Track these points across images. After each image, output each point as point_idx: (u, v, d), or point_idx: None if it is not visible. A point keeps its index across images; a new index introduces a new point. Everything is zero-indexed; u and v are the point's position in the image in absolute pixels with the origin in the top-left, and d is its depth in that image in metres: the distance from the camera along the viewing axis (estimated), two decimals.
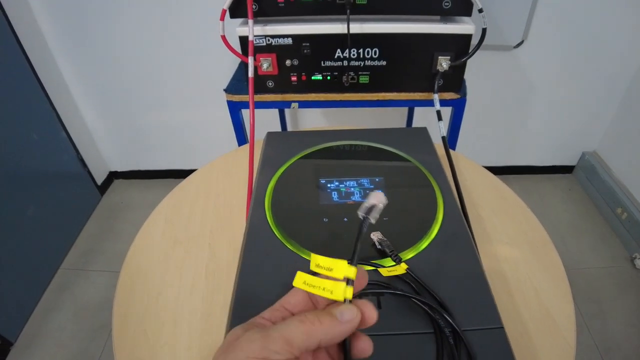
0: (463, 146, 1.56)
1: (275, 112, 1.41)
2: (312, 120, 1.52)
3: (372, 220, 0.25)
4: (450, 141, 0.86)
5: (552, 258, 0.55)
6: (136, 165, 1.76)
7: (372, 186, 0.46)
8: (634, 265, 1.35)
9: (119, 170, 1.78)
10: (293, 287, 0.24)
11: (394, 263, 0.36)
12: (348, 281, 0.23)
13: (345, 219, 0.42)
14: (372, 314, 0.23)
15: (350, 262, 0.23)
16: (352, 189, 0.45)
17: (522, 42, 1.31)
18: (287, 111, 1.45)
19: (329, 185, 0.46)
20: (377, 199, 0.25)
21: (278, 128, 1.46)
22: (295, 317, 0.23)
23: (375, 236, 0.39)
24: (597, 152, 1.64)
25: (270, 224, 0.42)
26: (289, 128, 1.51)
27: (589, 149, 1.66)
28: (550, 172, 1.74)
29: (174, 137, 1.63)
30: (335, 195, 0.45)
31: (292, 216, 0.43)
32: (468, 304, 0.34)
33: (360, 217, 0.26)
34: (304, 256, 0.38)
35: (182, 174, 1.83)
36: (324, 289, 0.23)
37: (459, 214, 0.42)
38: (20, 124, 1.28)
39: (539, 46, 1.32)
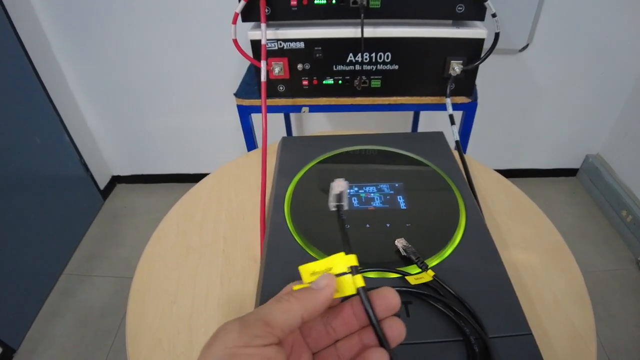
0: (467, 149, 1.56)
1: (280, 115, 1.41)
2: (317, 124, 1.52)
3: (345, 206, 0.26)
4: (462, 144, 0.86)
5: (569, 263, 0.55)
6: (139, 169, 1.75)
7: (392, 191, 0.45)
8: (639, 267, 1.35)
9: (121, 174, 1.78)
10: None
11: (420, 270, 0.35)
12: (352, 270, 0.23)
13: (368, 225, 0.41)
14: (393, 296, 0.23)
15: (347, 252, 0.23)
16: (372, 194, 0.45)
17: (527, 46, 1.32)
18: (292, 115, 1.44)
19: (349, 190, 0.45)
20: (341, 185, 0.26)
21: (283, 131, 1.46)
22: (272, 298, 0.23)
23: (400, 243, 0.38)
24: (601, 154, 1.64)
25: (290, 230, 0.41)
26: (294, 132, 1.50)
27: (593, 152, 1.66)
28: (554, 175, 1.74)
29: (177, 141, 1.62)
30: (355, 201, 0.44)
31: (313, 222, 0.42)
32: (495, 311, 0.33)
33: (333, 207, 0.26)
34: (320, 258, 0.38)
35: (186, 178, 1.82)
36: (329, 269, 0.23)
37: (480, 219, 0.42)
38: (23, 128, 1.27)
39: (544, 50, 1.33)
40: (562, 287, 0.51)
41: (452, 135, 0.65)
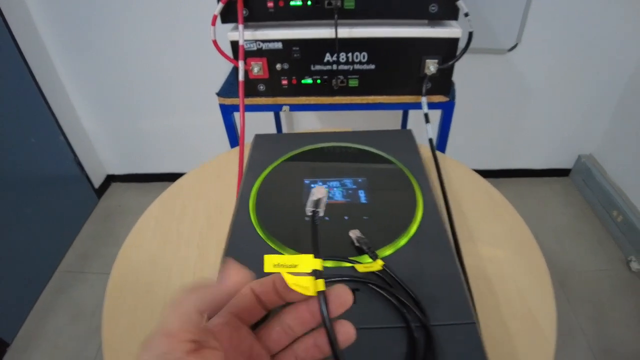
0: (458, 149, 1.57)
1: (270, 115, 1.42)
2: (308, 123, 1.53)
3: (321, 213, 0.27)
4: (440, 143, 0.87)
5: (536, 259, 0.56)
6: (134, 168, 1.77)
7: (354, 186, 0.47)
8: (630, 268, 1.35)
9: (116, 173, 1.79)
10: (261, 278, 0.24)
11: (371, 260, 0.37)
12: (316, 274, 0.23)
13: (327, 218, 0.43)
14: (346, 294, 0.23)
15: (316, 255, 0.23)
16: (335, 189, 0.46)
17: (516, 46, 1.32)
18: (282, 114, 1.46)
19: (312, 185, 0.47)
20: (320, 192, 0.28)
21: (273, 131, 1.47)
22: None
23: (354, 234, 0.39)
24: (593, 155, 1.64)
25: (253, 222, 0.43)
26: (285, 131, 1.52)
27: (585, 152, 1.66)
28: (547, 175, 1.74)
29: (171, 140, 1.64)
30: None
31: (275, 215, 0.44)
32: (441, 299, 0.34)
33: (310, 212, 0.27)
34: (284, 254, 0.39)
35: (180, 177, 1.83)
36: (294, 266, 0.23)
37: (437, 214, 0.43)
38: (18, 127, 1.29)
39: (534, 49, 1.33)
40: (526, 282, 0.52)
41: (431, 133, 0.67)
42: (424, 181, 0.48)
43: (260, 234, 0.41)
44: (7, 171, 1.25)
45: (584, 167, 1.65)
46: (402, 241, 0.40)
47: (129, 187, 1.80)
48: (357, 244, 0.39)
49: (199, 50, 1.31)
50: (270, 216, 0.43)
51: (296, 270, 0.23)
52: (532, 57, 1.35)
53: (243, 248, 0.40)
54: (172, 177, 0.74)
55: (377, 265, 0.35)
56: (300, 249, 0.39)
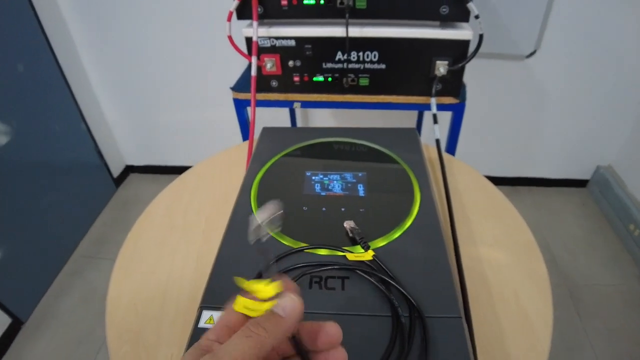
0: (472, 155, 1.56)
1: (286, 111, 1.44)
2: (322, 120, 1.54)
3: (272, 232, 0.25)
4: (450, 145, 0.87)
5: (536, 263, 0.56)
6: (152, 160, 1.81)
7: (354, 180, 0.48)
8: None
9: (135, 164, 1.84)
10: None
11: (363, 250, 0.38)
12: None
13: (324, 209, 0.44)
14: (335, 332, 0.22)
15: (270, 280, 0.23)
16: (335, 182, 0.47)
17: (534, 52, 1.30)
18: (297, 110, 1.47)
19: (313, 177, 0.48)
20: (268, 211, 0.25)
21: (287, 125, 1.49)
22: (240, 332, 0.21)
23: (348, 225, 0.41)
24: (612, 166, 1.60)
25: (253, 208, 0.44)
26: (299, 126, 1.53)
27: (604, 163, 1.62)
28: (563, 185, 1.71)
29: (189, 134, 1.67)
30: (318, 187, 0.47)
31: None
32: (429, 292, 0.35)
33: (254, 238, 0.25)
34: (282, 241, 0.41)
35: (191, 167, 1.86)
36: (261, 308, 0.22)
37: (433, 210, 0.44)
38: (43, 115, 1.34)
39: (552, 56, 1.31)
40: (525, 285, 0.52)
41: (438, 133, 0.67)
42: (423, 179, 0.48)
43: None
44: (30, 157, 1.30)
45: (602, 178, 1.61)
46: (396, 234, 0.41)
47: (146, 178, 1.85)
48: (350, 235, 0.40)
49: (217, 45, 1.34)
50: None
51: (259, 296, 0.22)
52: (551, 64, 1.33)
53: (241, 232, 0.42)
54: None
55: (368, 255, 0.36)
56: (295, 236, 0.41)
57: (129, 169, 1.86)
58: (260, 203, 0.45)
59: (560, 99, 1.42)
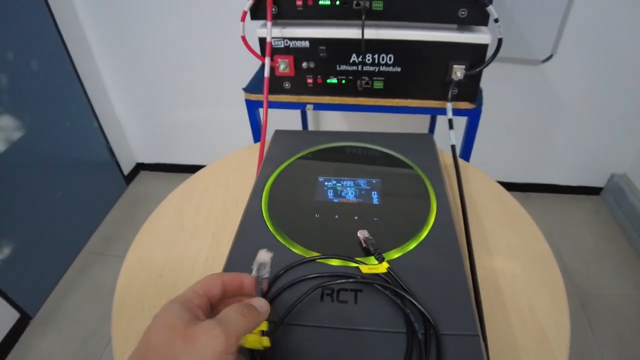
0: (484, 159, 1.53)
1: (297, 113, 1.44)
2: (333, 123, 1.53)
3: (266, 276, 0.31)
4: (465, 151, 0.86)
5: (552, 274, 0.54)
6: (163, 158, 1.82)
7: (368, 187, 0.47)
8: None
9: (145, 162, 1.85)
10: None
11: (377, 262, 0.36)
12: (264, 333, 0.30)
13: (337, 216, 0.43)
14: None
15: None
16: (348, 188, 0.46)
17: (550, 57, 1.28)
18: (309, 113, 1.47)
19: (326, 183, 0.47)
20: (263, 257, 0.32)
21: (299, 128, 1.48)
22: (236, 310, 0.27)
23: (362, 235, 0.39)
24: (627, 174, 1.57)
25: (264, 215, 0.43)
26: (310, 129, 1.52)
27: (619, 171, 1.59)
28: (576, 193, 1.68)
29: (200, 133, 1.67)
30: (330, 193, 0.46)
31: (286, 209, 0.44)
32: (445, 307, 0.34)
33: (254, 276, 0.31)
34: (292, 249, 0.40)
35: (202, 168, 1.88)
36: None
37: (450, 220, 0.42)
38: (56, 111, 1.35)
39: (569, 61, 1.28)
40: (540, 297, 0.51)
41: (454, 139, 0.66)
42: (439, 187, 0.47)
43: (269, 226, 0.42)
44: (41, 153, 1.31)
45: (616, 186, 1.58)
46: (411, 245, 0.39)
47: (156, 176, 1.86)
48: (364, 245, 0.39)
49: (231, 45, 1.34)
50: (280, 209, 0.44)
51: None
52: (567, 69, 1.30)
53: (251, 238, 0.41)
54: (199, 169, 0.78)
55: (382, 267, 0.35)
56: (307, 245, 0.40)
57: (140, 167, 1.87)
58: (271, 209, 0.44)
59: (576, 104, 1.40)
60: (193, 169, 1.77)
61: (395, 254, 0.39)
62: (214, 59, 1.41)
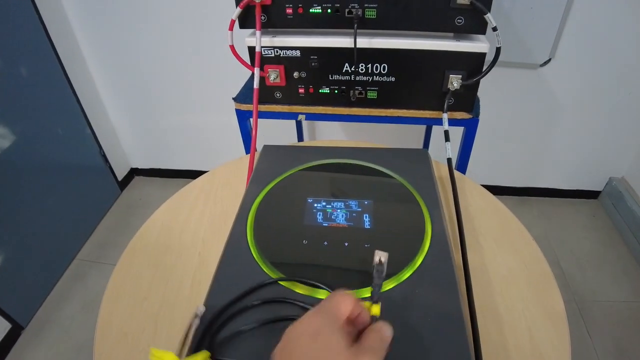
0: (482, 164, 1.52)
1: (292, 122, 1.41)
2: (329, 132, 1.51)
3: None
4: (461, 162, 0.84)
5: (552, 297, 0.52)
6: (157, 163, 1.80)
7: (359, 209, 0.44)
8: None
9: (139, 167, 1.82)
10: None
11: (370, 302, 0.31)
12: None
13: (325, 243, 0.40)
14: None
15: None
16: (339, 210, 0.44)
17: (549, 61, 1.26)
18: (304, 122, 1.44)
19: (315, 205, 0.45)
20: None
21: (294, 138, 1.46)
22: (376, 339, 0.27)
23: (380, 257, 0.32)
24: (626, 178, 1.55)
25: (249, 241, 0.41)
26: (306, 139, 1.50)
27: (617, 175, 1.57)
28: (574, 197, 1.66)
29: (194, 139, 1.65)
30: (320, 217, 0.43)
31: (273, 235, 0.42)
32: (440, 343, 0.32)
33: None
34: (275, 277, 0.37)
35: (200, 175, 1.88)
36: None
37: (446, 246, 0.40)
38: (46, 117, 1.33)
39: (567, 65, 1.27)
40: (540, 322, 0.49)
41: (450, 152, 0.64)
42: (434, 209, 0.45)
43: (254, 254, 0.40)
44: (33, 159, 1.28)
45: (614, 190, 1.56)
46: (405, 275, 0.37)
47: (151, 182, 1.83)
48: (373, 270, 0.31)
49: (223, 52, 1.31)
50: (267, 235, 0.42)
51: None
52: (566, 73, 1.29)
53: (234, 268, 0.39)
54: (193, 174, 0.76)
55: (375, 309, 0.30)
56: (293, 274, 0.37)
57: (134, 172, 1.84)
58: (257, 234, 0.42)
59: (573, 108, 1.38)
60: (188, 174, 1.77)
61: (388, 285, 0.36)
62: (207, 63, 1.39)
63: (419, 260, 0.39)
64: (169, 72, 1.44)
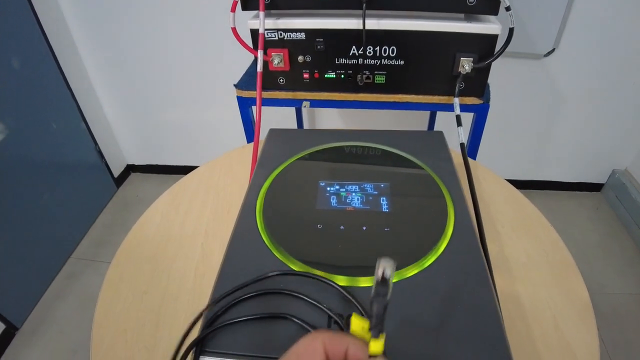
0: (484, 156, 1.49)
1: (291, 110, 1.38)
2: (330, 121, 1.48)
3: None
4: (471, 150, 0.81)
5: (575, 283, 0.50)
6: (154, 159, 1.76)
7: (375, 192, 0.42)
8: None
9: (136, 163, 1.79)
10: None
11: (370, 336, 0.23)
12: None
13: (342, 227, 0.38)
14: None
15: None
16: (353, 194, 0.41)
17: (553, 51, 1.24)
18: (304, 110, 1.41)
19: (328, 188, 0.42)
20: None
21: (294, 126, 1.43)
22: None
23: (385, 268, 0.22)
24: (629, 170, 1.54)
25: (259, 226, 0.38)
26: (306, 127, 1.47)
27: (620, 167, 1.56)
28: (577, 189, 1.65)
29: (192, 134, 1.62)
30: (334, 200, 0.41)
31: (284, 220, 0.39)
32: (472, 337, 0.29)
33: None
34: (291, 265, 0.34)
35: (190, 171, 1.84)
36: None
37: (471, 229, 0.38)
38: (40, 112, 1.29)
39: (571, 55, 1.25)
40: (565, 311, 0.46)
41: (463, 137, 0.61)
42: (456, 190, 0.42)
43: (265, 240, 0.37)
44: (26, 156, 1.25)
45: (618, 182, 1.54)
46: (429, 260, 0.34)
47: (148, 178, 1.80)
48: (373, 290, 0.23)
49: (223, 41, 1.29)
50: (277, 220, 0.39)
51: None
52: (569, 63, 1.27)
53: (244, 255, 0.36)
54: (192, 171, 0.73)
55: (376, 346, 0.22)
56: (309, 260, 0.35)
57: (130, 168, 1.81)
58: (267, 220, 0.39)
59: (577, 99, 1.36)
60: (185, 170, 1.71)
61: (410, 272, 0.34)
62: (205, 56, 1.36)
63: (443, 245, 0.36)
64: (166, 65, 1.41)
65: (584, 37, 1.20)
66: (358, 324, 0.23)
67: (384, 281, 0.22)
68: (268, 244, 0.36)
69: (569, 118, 1.42)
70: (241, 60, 1.14)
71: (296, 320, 0.29)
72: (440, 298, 0.31)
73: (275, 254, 0.35)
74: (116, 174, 1.71)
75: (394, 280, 0.31)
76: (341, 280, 0.33)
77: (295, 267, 0.34)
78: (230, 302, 0.31)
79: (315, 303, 0.30)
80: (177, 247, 0.54)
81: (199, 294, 0.48)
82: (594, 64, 1.26)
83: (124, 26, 1.32)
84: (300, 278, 0.33)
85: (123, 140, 1.70)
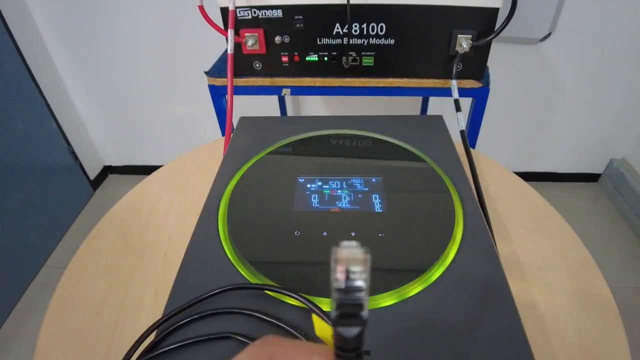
0: (477, 147, 1.44)
1: (274, 99, 1.31)
2: (317, 109, 1.41)
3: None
4: (470, 137, 0.74)
5: (599, 287, 0.43)
6: (132, 160, 1.68)
7: (366, 189, 0.34)
8: None
9: (113, 164, 1.70)
10: None
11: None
12: None
13: (325, 233, 0.30)
14: None
15: None
16: (339, 191, 0.34)
17: (549, 35, 1.19)
18: (287, 99, 1.33)
19: (308, 185, 0.34)
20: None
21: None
22: None
23: (349, 263, 0.13)
24: (627, 159, 1.50)
25: (220, 234, 0.30)
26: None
27: (618, 156, 1.52)
28: (574, 180, 1.60)
29: (171, 131, 1.55)
30: (315, 200, 0.33)
31: (253, 226, 0.31)
32: None
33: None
34: (258, 282, 0.27)
35: (155, 170, 1.77)
36: None
37: (485, 232, 0.30)
38: (3, 111, 1.19)
39: (568, 40, 1.20)
40: (588, 319, 0.40)
41: (457, 124, 0.54)
42: (463, 184, 0.35)
43: (226, 251, 0.29)
44: None
45: (616, 172, 1.50)
46: (435, 273, 0.27)
47: (127, 179, 1.72)
48: (332, 317, 0.13)
49: (199, 31, 1.21)
50: (245, 225, 0.31)
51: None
52: (566, 49, 1.22)
53: (201, 269, 0.28)
54: None
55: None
56: (281, 280, 0.27)
57: (107, 170, 1.72)
58: (232, 225, 0.32)
59: (574, 85, 1.32)
60: None
61: (413, 289, 0.26)
62: (182, 48, 1.28)
63: (451, 253, 0.28)
64: (140, 59, 1.33)
65: (580, 21, 1.16)
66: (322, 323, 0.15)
67: (350, 289, 0.12)
68: (230, 256, 0.29)
69: (566, 105, 1.37)
70: (216, 48, 1.07)
71: (243, 339, 0.22)
72: (452, 323, 0.24)
73: (238, 267, 0.28)
74: (92, 176, 1.63)
75: (390, 303, 0.24)
76: (324, 303, 0.25)
77: (271, 293, 0.26)
78: (171, 327, 0.24)
79: (269, 319, 0.23)
80: (137, 258, 0.46)
81: (159, 314, 0.40)
82: (591, 49, 1.22)
83: (94, 17, 1.24)
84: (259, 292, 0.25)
85: (98, 140, 1.61)
